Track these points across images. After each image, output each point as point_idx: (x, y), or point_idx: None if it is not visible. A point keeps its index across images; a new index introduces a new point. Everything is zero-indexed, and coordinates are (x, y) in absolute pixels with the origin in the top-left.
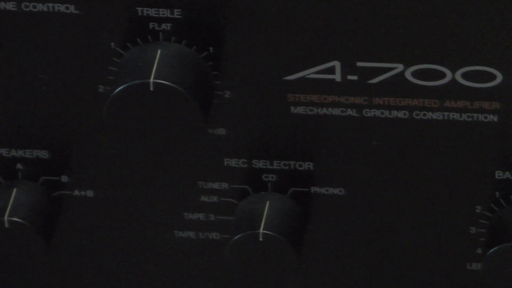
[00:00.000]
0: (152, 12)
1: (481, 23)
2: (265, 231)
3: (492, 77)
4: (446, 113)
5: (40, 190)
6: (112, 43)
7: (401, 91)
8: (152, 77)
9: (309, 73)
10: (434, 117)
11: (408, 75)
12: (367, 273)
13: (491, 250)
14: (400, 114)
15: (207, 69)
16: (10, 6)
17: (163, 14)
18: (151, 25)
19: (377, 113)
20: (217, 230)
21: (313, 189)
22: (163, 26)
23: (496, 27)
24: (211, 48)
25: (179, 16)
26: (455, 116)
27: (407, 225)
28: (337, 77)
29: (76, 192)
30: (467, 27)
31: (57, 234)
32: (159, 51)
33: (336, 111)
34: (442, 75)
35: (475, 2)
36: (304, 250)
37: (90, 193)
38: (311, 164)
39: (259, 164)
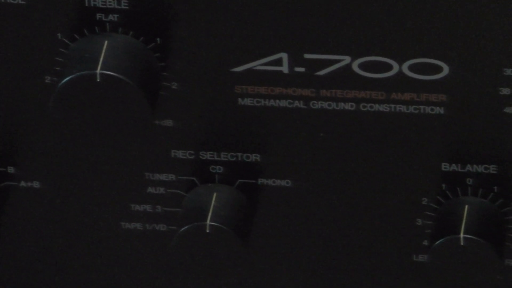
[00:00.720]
0: (99, 2)
1: (427, 15)
2: (212, 223)
3: (439, 69)
4: (392, 105)
5: None
6: (59, 34)
7: (348, 83)
8: (99, 68)
9: (257, 64)
10: (381, 109)
11: (355, 67)
12: (314, 264)
13: (437, 242)
14: (347, 106)
15: (154, 60)
16: None
17: (110, 5)
18: (98, 16)
19: (324, 105)
20: (164, 222)
21: (260, 180)
22: (110, 17)
23: (442, 20)
24: (158, 39)
25: (126, 7)
26: (402, 108)
27: (354, 216)
28: (285, 69)
29: (23, 183)
30: (413, 20)
31: (3, 225)
32: (106, 42)
33: (283, 103)
34: (389, 67)
35: None
36: (251, 241)
37: (36, 184)
38: (258, 155)
39: (206, 155)
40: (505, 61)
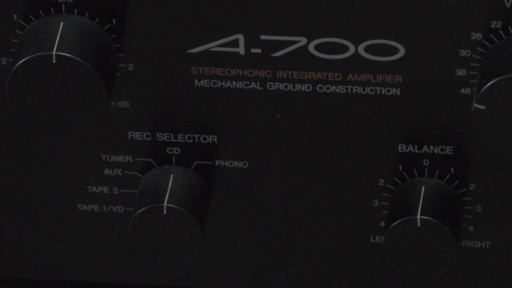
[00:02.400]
0: None
1: None
2: (169, 204)
3: (395, 50)
4: (349, 87)
5: None
6: (15, 15)
7: (304, 64)
8: (54, 49)
9: (213, 46)
10: (337, 90)
11: (311, 48)
12: (271, 246)
13: (394, 223)
14: (304, 88)
15: (110, 42)
16: None
17: None
18: None
19: (281, 86)
20: (121, 204)
21: (217, 162)
22: None
23: (397, 1)
24: (114, 20)
25: None
26: (358, 89)
27: (311, 198)
28: (241, 50)
29: None
30: (369, 1)
31: None
32: (61, 24)
33: (240, 85)
34: (345, 49)
35: None
36: (208, 223)
37: None
38: (215, 137)
39: (163, 137)
40: (460, 43)
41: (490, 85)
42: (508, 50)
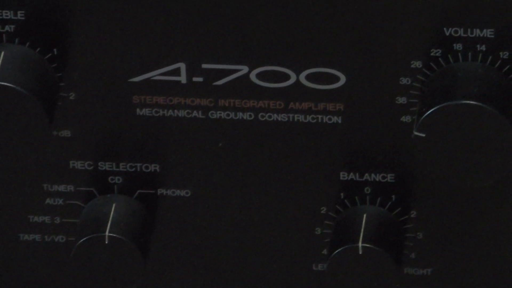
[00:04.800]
0: None
1: (323, 25)
2: (111, 234)
3: (336, 78)
4: (291, 115)
5: None
6: None
7: (246, 92)
8: None
9: (155, 74)
10: (279, 118)
11: (253, 77)
12: (214, 273)
13: (336, 251)
14: (246, 116)
15: (52, 71)
16: None
17: (7, 15)
18: None
19: (223, 114)
20: (63, 233)
21: (160, 191)
22: (7, 27)
23: (338, 29)
24: (55, 49)
25: (23, 18)
26: (300, 117)
27: (254, 226)
28: (183, 78)
29: None
30: (310, 29)
31: None
32: (2, 53)
33: (182, 113)
34: (287, 77)
35: (317, 5)
36: (150, 251)
37: None
38: (157, 166)
39: (105, 166)
40: (401, 70)
41: (430, 113)
42: (448, 78)
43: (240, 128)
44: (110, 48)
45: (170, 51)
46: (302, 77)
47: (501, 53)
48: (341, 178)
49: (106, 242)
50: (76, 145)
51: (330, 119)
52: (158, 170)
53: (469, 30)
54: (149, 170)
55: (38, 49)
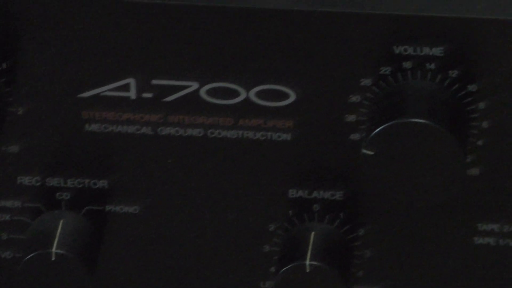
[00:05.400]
0: None
1: (274, 42)
2: (57, 251)
3: (286, 96)
4: (240, 132)
5: None
6: None
7: (196, 109)
8: None
9: (104, 90)
10: (229, 135)
11: (203, 93)
12: None
13: (283, 269)
14: (195, 132)
15: (0, 86)
16: None
17: None
18: None
19: (172, 131)
20: (9, 249)
21: (108, 207)
22: None
23: (289, 46)
24: (4, 64)
25: None
26: (249, 134)
27: (202, 243)
28: (132, 94)
29: None
30: (260, 46)
31: None
32: None
33: (131, 129)
34: (236, 94)
35: (266, 22)
36: (98, 268)
37: None
38: (106, 182)
39: (53, 182)
40: (350, 88)
41: (379, 131)
42: (397, 96)
43: (189, 144)
44: (59, 63)
45: (119, 67)
46: (252, 94)
47: (450, 71)
48: (290, 196)
49: (53, 259)
50: (24, 160)
51: (279, 136)
52: (106, 186)
53: (418, 48)
54: (97, 186)
55: None
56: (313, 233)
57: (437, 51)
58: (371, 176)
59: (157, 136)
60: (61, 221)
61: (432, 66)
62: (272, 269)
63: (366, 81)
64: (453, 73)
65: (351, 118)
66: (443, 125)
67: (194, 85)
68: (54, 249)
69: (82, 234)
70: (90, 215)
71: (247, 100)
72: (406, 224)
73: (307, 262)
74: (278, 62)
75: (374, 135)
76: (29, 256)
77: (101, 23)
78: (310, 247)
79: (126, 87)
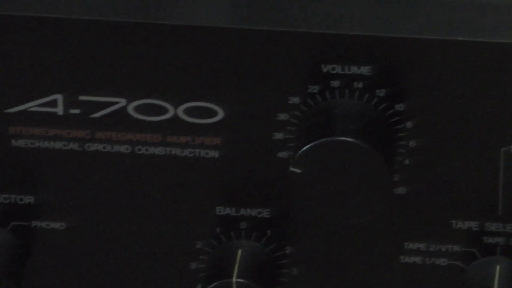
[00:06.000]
0: None
1: (201, 59)
2: None
3: (214, 113)
4: (168, 148)
5: None
6: None
7: (123, 125)
8: None
9: (31, 106)
10: (156, 152)
11: (130, 109)
12: None
13: (210, 286)
14: (123, 149)
15: None
16: None
17: None
18: None
19: (100, 147)
20: None
21: (34, 223)
22: None
23: (217, 63)
24: None
25: None
26: (177, 151)
27: (129, 259)
28: (59, 110)
29: None
30: (188, 63)
31: None
32: None
33: (58, 145)
34: (165, 111)
35: (194, 40)
36: (23, 285)
37: None
38: (32, 198)
39: None
40: (278, 106)
41: (306, 149)
42: (325, 114)
43: (117, 161)
44: None
45: (47, 83)
46: (180, 110)
47: (377, 90)
48: (217, 213)
49: None
50: None
51: (207, 153)
52: (33, 202)
53: (346, 67)
54: (23, 202)
55: None
56: (240, 251)
57: (365, 70)
58: (299, 194)
59: (85, 152)
60: None
61: (360, 85)
62: (199, 286)
63: (294, 99)
64: (381, 92)
65: (279, 136)
66: (370, 144)
67: (122, 102)
68: None
69: (7, 250)
70: (16, 231)
71: (175, 117)
72: (334, 242)
73: (234, 279)
74: (206, 79)
75: (302, 153)
76: None
77: (28, 39)
78: (237, 265)
79: (53, 103)
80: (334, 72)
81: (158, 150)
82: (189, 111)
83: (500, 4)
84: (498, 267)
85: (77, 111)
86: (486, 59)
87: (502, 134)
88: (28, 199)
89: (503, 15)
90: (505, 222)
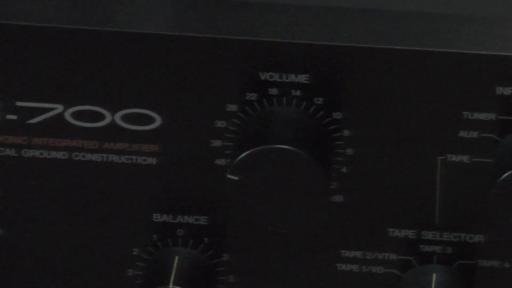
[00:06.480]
0: None
1: (139, 66)
2: None
3: (151, 120)
4: (105, 155)
5: None
6: None
7: (60, 131)
8: None
9: None
10: (94, 158)
11: (67, 116)
12: None
13: None
14: (59, 155)
15: None
16: None
17: None
18: None
19: (36, 153)
20: None
21: None
22: None
23: (154, 71)
24: None
25: None
26: (114, 158)
27: (66, 266)
28: None
29: None
30: (126, 70)
31: None
32: None
33: None
34: (102, 117)
35: (132, 47)
36: None
37: None
38: None
39: None
40: (216, 114)
41: (244, 157)
42: (262, 122)
43: (53, 167)
44: None
45: None
46: (118, 117)
47: (315, 99)
48: (154, 220)
49: None
50: None
51: (144, 160)
52: None
53: (284, 75)
54: None
55: None
56: (177, 258)
57: (302, 78)
58: (236, 202)
59: (21, 158)
60: None
61: (298, 93)
62: None
63: (232, 107)
64: (318, 100)
65: (216, 143)
66: (308, 151)
67: (59, 108)
68: None
69: None
70: None
71: (112, 124)
72: (271, 249)
73: (170, 286)
74: (144, 86)
75: (239, 160)
76: None
77: None
78: (173, 272)
79: None
80: (272, 80)
81: (95, 157)
82: (126, 118)
83: (438, 13)
84: (434, 275)
85: (14, 117)
86: (423, 68)
87: (439, 143)
88: None
89: (440, 24)
90: (442, 230)
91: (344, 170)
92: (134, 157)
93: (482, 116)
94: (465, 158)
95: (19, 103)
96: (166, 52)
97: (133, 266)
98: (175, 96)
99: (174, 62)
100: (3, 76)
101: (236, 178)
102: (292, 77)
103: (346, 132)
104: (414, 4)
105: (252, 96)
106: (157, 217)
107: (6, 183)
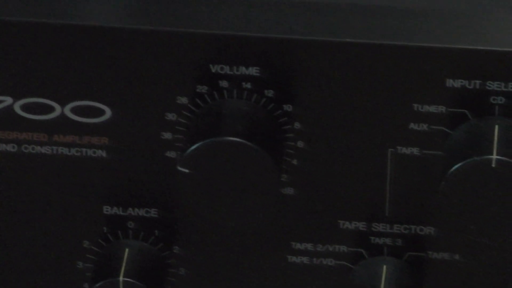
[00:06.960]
0: None
1: (89, 58)
2: None
3: (101, 112)
4: (55, 147)
5: None
6: None
7: (9, 124)
8: None
9: None
10: (43, 151)
11: (17, 108)
12: None
13: (96, 285)
14: (9, 147)
15: None
16: None
17: None
18: None
19: None
20: None
21: None
22: None
23: (105, 63)
24: None
25: None
26: (64, 150)
27: (16, 258)
28: None
29: None
30: (75, 62)
31: None
32: None
33: None
34: (51, 109)
35: (85, 39)
36: None
37: None
38: None
39: None
40: (166, 106)
41: (194, 149)
42: (213, 115)
43: (2, 159)
44: None
45: None
46: (67, 109)
47: (266, 91)
48: (105, 212)
49: None
50: None
51: (94, 152)
52: None
53: (234, 67)
54: None
55: None
56: (127, 250)
57: (253, 70)
58: (186, 194)
59: None
60: None
61: (248, 85)
62: (86, 285)
63: (183, 99)
64: (269, 93)
65: (167, 135)
66: (258, 144)
67: (8, 100)
68: None
69: None
70: None
71: (62, 116)
72: (221, 242)
73: (121, 278)
74: (93, 79)
75: (189, 152)
76: None
77: None
78: (124, 264)
79: None
80: (222, 72)
81: (45, 149)
82: (76, 110)
83: (388, 6)
84: (384, 267)
85: None
86: (373, 61)
87: (389, 135)
88: None
89: (389, 17)
90: (392, 222)
91: (294, 162)
92: (84, 149)
93: (432, 108)
94: (415, 151)
95: None
96: (116, 44)
97: (83, 259)
98: (125, 89)
99: (125, 54)
100: None
101: (186, 170)
102: (242, 70)
103: (296, 125)
104: None
105: (202, 88)
106: (108, 210)
107: None
